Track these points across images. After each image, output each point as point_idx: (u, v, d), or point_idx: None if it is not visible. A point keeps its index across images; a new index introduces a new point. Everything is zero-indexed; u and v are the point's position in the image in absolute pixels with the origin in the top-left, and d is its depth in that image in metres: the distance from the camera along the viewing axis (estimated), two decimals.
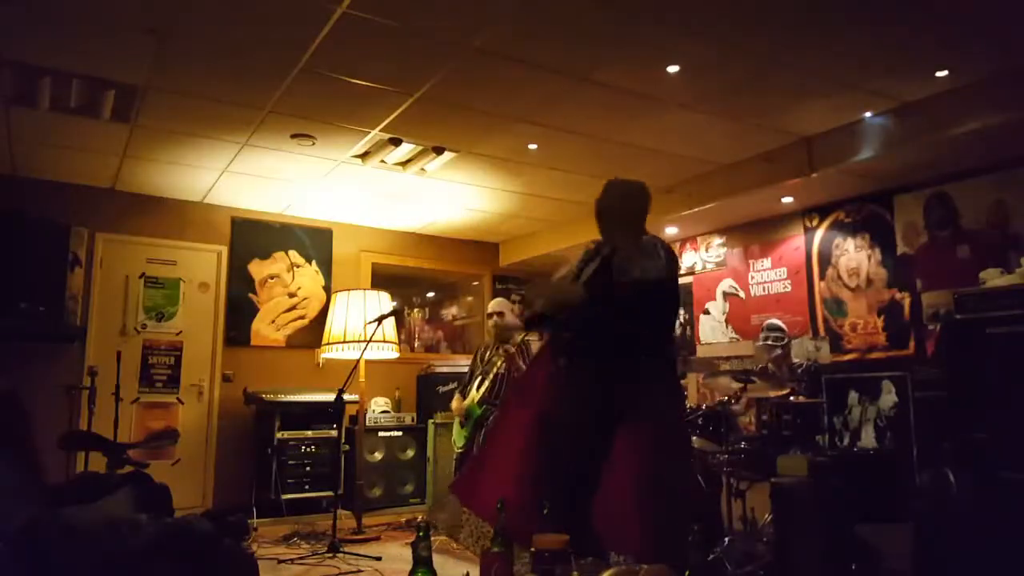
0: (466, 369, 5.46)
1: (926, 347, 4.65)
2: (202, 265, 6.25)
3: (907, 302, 4.80)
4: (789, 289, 5.57)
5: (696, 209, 5.50)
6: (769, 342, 4.74)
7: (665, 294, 2.95)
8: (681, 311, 6.43)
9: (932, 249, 4.71)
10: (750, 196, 5.18)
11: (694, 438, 4.23)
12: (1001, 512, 3.16)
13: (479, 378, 4.97)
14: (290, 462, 5.69)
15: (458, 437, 4.96)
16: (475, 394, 4.91)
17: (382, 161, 5.13)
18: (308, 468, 5.74)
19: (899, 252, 4.87)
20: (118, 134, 4.72)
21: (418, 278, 7.48)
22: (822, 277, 5.34)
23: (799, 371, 4.75)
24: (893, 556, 3.43)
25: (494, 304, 5.26)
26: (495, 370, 4.85)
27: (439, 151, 4.96)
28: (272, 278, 6.51)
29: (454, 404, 5.07)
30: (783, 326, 4.82)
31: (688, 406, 4.81)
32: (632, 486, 2.78)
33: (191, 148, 4.98)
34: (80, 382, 5.33)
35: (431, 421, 5.69)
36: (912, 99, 4.13)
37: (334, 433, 5.67)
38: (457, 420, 5.02)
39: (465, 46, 3.58)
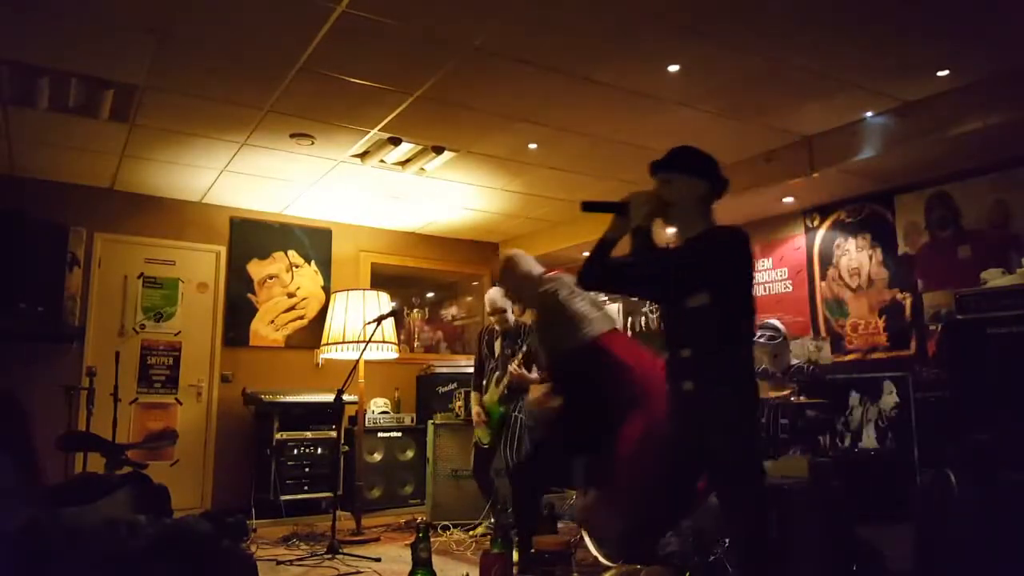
0: (467, 370, 5.39)
1: (927, 347, 4.64)
2: (201, 265, 6.24)
3: (908, 302, 4.79)
4: (790, 289, 5.56)
5: None
6: (762, 340, 4.72)
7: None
8: None
9: (933, 249, 4.70)
10: (751, 196, 5.17)
11: None
12: (1002, 513, 3.15)
13: (496, 373, 4.80)
14: (289, 463, 5.68)
15: (483, 435, 4.82)
16: (495, 390, 4.74)
17: (381, 161, 5.12)
18: (307, 469, 5.73)
19: (900, 252, 4.87)
20: (117, 134, 4.71)
21: (418, 278, 7.47)
22: (823, 277, 5.34)
23: (791, 371, 4.74)
24: (894, 557, 3.42)
25: (495, 298, 5.07)
26: (506, 380, 4.66)
27: (439, 151, 4.96)
28: (271, 278, 6.50)
29: (474, 407, 4.90)
30: (778, 325, 4.81)
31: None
32: None
33: (190, 148, 4.97)
34: (79, 382, 5.31)
35: (431, 422, 5.66)
36: (913, 99, 4.13)
37: (333, 434, 5.65)
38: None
39: (465, 46, 3.57)
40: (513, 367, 4.60)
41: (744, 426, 2.29)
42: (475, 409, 4.91)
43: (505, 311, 4.94)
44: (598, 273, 2.51)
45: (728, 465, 2.29)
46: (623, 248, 2.45)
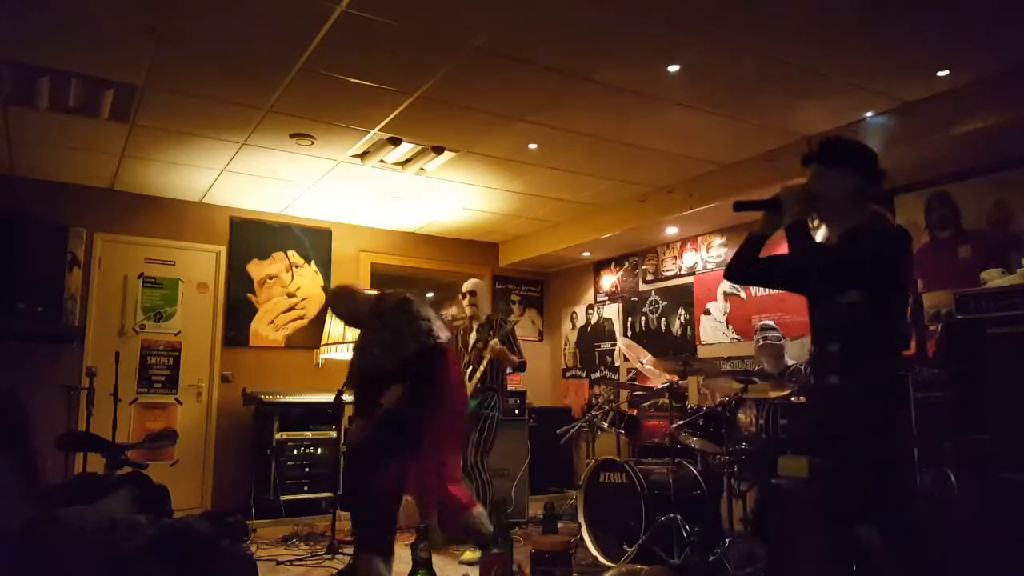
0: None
1: (927, 348, 4.64)
2: (201, 265, 6.24)
3: (908, 302, 4.79)
4: None
5: (697, 209, 5.49)
6: (770, 341, 4.70)
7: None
8: (681, 311, 6.43)
9: (933, 249, 4.70)
10: (751, 196, 5.16)
11: (694, 439, 4.22)
12: (1002, 513, 3.15)
13: (469, 366, 4.82)
14: (289, 463, 5.67)
15: None
16: (468, 384, 4.71)
17: (381, 161, 5.12)
18: (307, 469, 5.73)
19: None
20: (117, 134, 4.71)
21: (418, 278, 7.47)
22: None
23: (788, 371, 4.73)
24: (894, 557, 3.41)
25: (469, 284, 5.07)
26: (488, 356, 4.71)
27: (439, 151, 4.96)
28: (271, 278, 6.50)
29: None
30: (774, 325, 4.79)
31: (690, 407, 4.80)
32: None
33: (190, 148, 4.97)
34: (78, 383, 5.32)
35: None
36: (913, 99, 4.12)
37: (333, 434, 5.65)
38: None
39: (465, 46, 3.57)
40: (494, 343, 4.69)
41: (885, 425, 2.20)
42: None
43: (476, 294, 5.01)
44: (748, 268, 2.54)
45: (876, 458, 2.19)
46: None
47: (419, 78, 3.92)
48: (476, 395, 4.71)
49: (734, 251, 2.55)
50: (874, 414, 2.18)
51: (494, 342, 4.68)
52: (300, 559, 4.34)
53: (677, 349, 6.28)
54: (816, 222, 2.43)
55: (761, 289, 5.76)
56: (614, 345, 7.14)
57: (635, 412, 5.52)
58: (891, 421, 2.20)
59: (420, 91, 4.06)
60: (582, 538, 4.33)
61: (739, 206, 2.50)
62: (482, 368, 4.72)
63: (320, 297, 6.66)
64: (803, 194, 2.36)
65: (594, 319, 7.47)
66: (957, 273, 4.43)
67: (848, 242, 2.32)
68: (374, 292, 3.89)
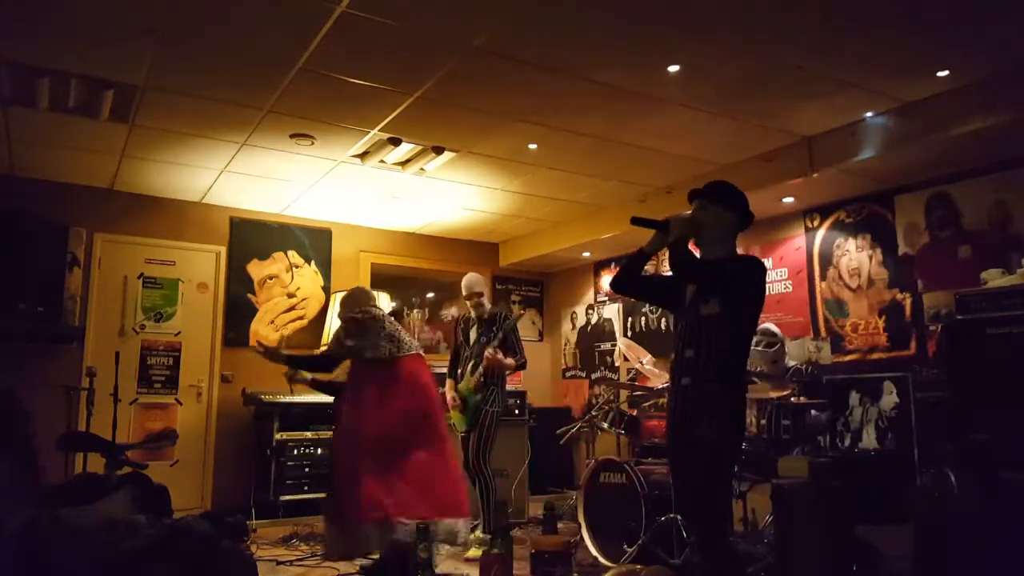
0: None
1: (927, 348, 4.64)
2: (201, 265, 6.24)
3: (908, 302, 4.79)
4: (790, 290, 5.56)
5: None
6: (759, 347, 4.62)
7: None
8: None
9: (933, 249, 4.70)
10: (751, 196, 5.09)
11: None
12: (1002, 513, 3.15)
13: (472, 361, 4.73)
14: (289, 463, 5.67)
15: (459, 422, 4.71)
16: (470, 378, 4.66)
17: (381, 161, 5.12)
18: (307, 469, 5.73)
19: (900, 252, 4.87)
20: (117, 134, 4.71)
21: (418, 278, 7.47)
22: (823, 277, 5.34)
23: (789, 373, 4.73)
24: (894, 557, 3.42)
25: (476, 283, 4.89)
26: (482, 367, 4.60)
27: (438, 151, 4.96)
28: (271, 278, 6.50)
29: (448, 393, 4.79)
30: (775, 330, 4.74)
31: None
32: None
33: (190, 148, 4.97)
34: (78, 383, 5.31)
35: None
36: (913, 99, 4.13)
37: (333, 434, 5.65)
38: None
39: (465, 46, 3.58)
40: (489, 351, 4.57)
41: (728, 422, 2.54)
42: (449, 395, 4.79)
43: (482, 295, 4.86)
44: (631, 280, 2.88)
45: (703, 457, 2.52)
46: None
47: (419, 78, 3.92)
48: (479, 390, 4.63)
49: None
50: (713, 412, 2.51)
51: (489, 352, 4.58)
52: (300, 559, 4.34)
53: None
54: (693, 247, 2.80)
55: None
56: (614, 345, 7.14)
57: (635, 412, 5.52)
58: (726, 420, 2.53)
59: (420, 91, 4.06)
60: (582, 538, 4.32)
61: (635, 221, 2.82)
62: (484, 363, 4.59)
63: (320, 297, 6.66)
64: (688, 222, 2.74)
65: (594, 319, 7.47)
66: (957, 273, 4.43)
67: (714, 262, 2.73)
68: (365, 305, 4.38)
